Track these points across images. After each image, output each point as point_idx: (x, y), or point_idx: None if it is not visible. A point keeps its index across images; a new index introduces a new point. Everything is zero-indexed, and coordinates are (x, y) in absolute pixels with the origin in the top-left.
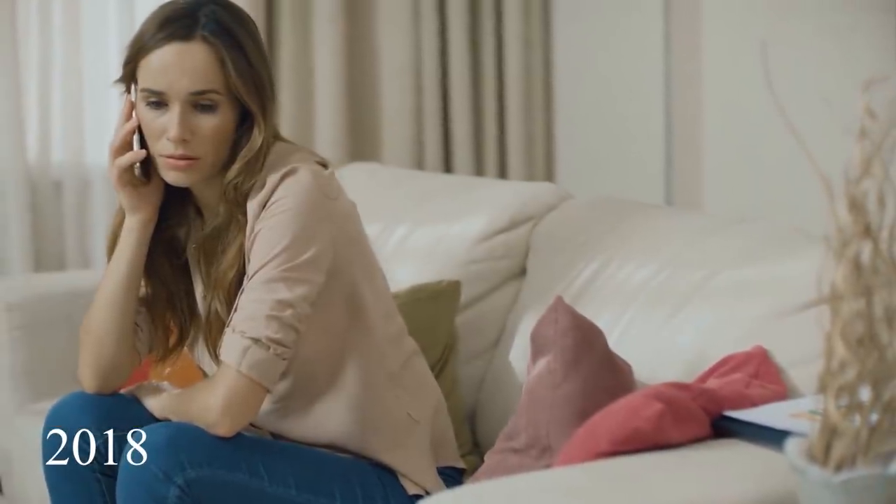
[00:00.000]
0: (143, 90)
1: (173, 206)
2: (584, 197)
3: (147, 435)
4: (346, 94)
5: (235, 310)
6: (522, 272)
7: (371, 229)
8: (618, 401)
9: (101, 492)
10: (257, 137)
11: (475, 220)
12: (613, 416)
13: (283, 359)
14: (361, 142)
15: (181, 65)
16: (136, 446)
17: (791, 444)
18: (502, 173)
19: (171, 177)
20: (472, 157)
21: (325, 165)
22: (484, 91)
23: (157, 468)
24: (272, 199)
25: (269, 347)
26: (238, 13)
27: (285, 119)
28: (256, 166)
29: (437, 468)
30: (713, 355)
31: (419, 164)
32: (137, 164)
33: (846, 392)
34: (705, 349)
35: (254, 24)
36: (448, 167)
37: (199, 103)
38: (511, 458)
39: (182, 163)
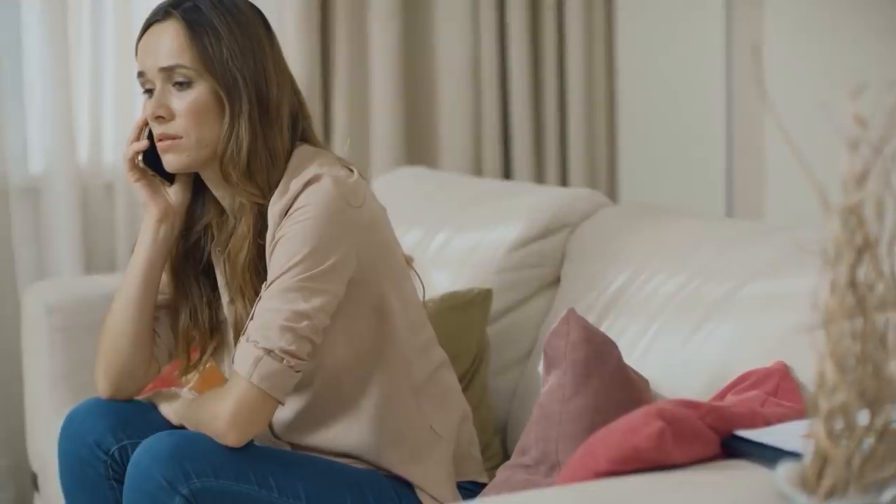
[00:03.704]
0: (137, 77)
1: (200, 213)
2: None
3: (151, 444)
4: (402, 95)
5: (251, 318)
6: (557, 281)
7: (413, 235)
8: (620, 418)
9: (115, 500)
10: (242, 131)
11: (511, 228)
12: (613, 435)
13: (297, 371)
14: (417, 145)
15: (155, 42)
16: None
17: (782, 469)
18: (563, 178)
19: (165, 161)
20: (531, 160)
21: (350, 170)
22: (545, 91)
23: (161, 478)
24: (294, 207)
25: (281, 359)
26: (230, 5)
27: (339, 121)
28: (257, 164)
29: (458, 482)
30: (735, 370)
31: (477, 169)
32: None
33: (840, 415)
34: (727, 364)
35: (251, 20)
36: (507, 171)
37: (175, 81)
38: (519, 474)
39: (165, 143)
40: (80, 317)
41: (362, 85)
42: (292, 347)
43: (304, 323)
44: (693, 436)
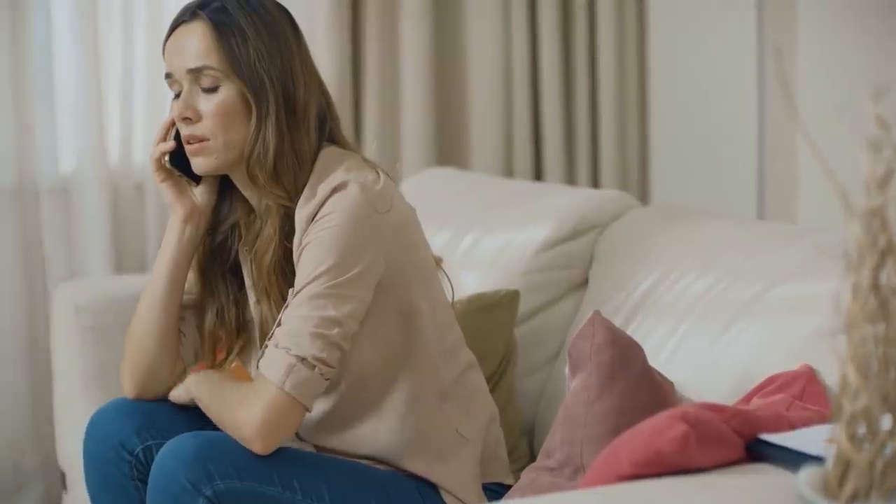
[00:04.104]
0: (165, 78)
1: (227, 212)
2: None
3: (175, 445)
4: (432, 95)
5: (279, 324)
6: (585, 282)
7: (442, 236)
8: (644, 422)
9: (140, 500)
10: (269, 134)
11: (539, 229)
12: (636, 438)
13: (326, 378)
14: (448, 145)
15: (182, 43)
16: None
17: (804, 474)
18: (594, 180)
19: (194, 164)
20: (563, 161)
21: (377, 172)
22: (576, 92)
23: (185, 479)
24: (321, 213)
25: (314, 367)
26: (257, 5)
27: (370, 121)
28: (283, 167)
29: (484, 484)
30: (762, 373)
31: (508, 169)
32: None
33: (862, 420)
34: (754, 366)
35: (278, 20)
36: (538, 172)
37: (202, 83)
38: (544, 477)
39: (193, 146)
40: (108, 317)
41: (393, 85)
42: (323, 355)
43: (335, 330)
44: (717, 439)
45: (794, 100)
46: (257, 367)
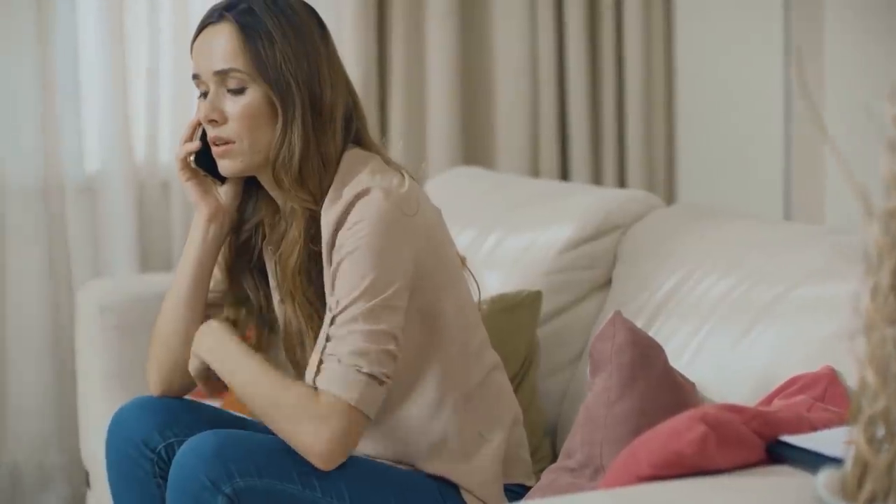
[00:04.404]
0: (192, 79)
1: (251, 212)
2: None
3: (195, 443)
4: (459, 94)
5: (328, 338)
6: (608, 283)
7: (466, 235)
8: (663, 423)
9: (162, 498)
10: (294, 137)
11: (562, 229)
12: (655, 439)
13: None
14: (474, 145)
15: (209, 45)
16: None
17: (822, 476)
18: (621, 180)
19: (221, 166)
20: (589, 161)
21: (402, 174)
22: (603, 91)
23: (204, 477)
24: (349, 222)
25: (382, 383)
26: (284, 6)
27: (396, 121)
28: (308, 170)
29: (506, 485)
30: (784, 374)
31: (534, 169)
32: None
33: (880, 422)
34: (776, 368)
35: (305, 22)
36: (564, 172)
37: (228, 85)
38: (564, 478)
39: (219, 148)
40: (132, 315)
41: (419, 84)
42: (388, 370)
43: (392, 345)
44: (737, 441)
45: (812, 97)
46: (313, 382)
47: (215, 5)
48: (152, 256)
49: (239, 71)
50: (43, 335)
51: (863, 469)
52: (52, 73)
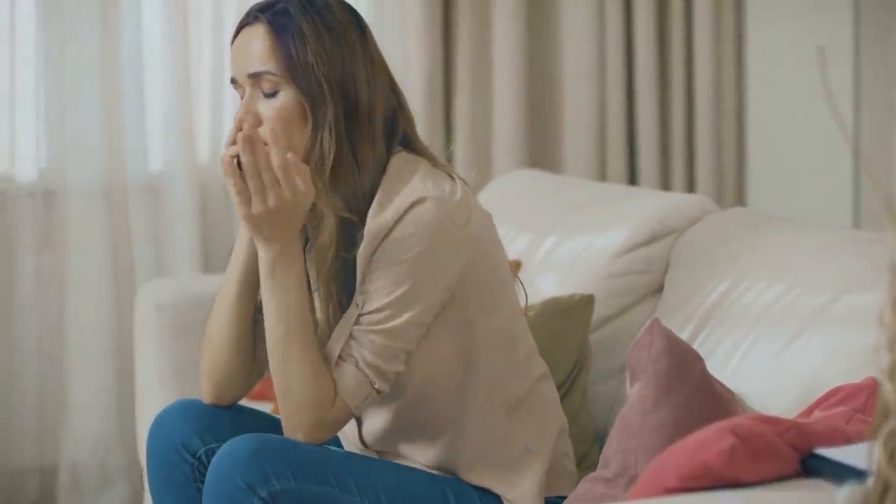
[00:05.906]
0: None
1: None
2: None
3: (231, 447)
4: (525, 96)
5: (352, 336)
6: (661, 288)
7: (523, 238)
8: (693, 434)
9: (201, 502)
10: (326, 140)
11: (617, 233)
12: (683, 450)
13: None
14: (541, 147)
15: (244, 47)
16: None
17: (843, 492)
18: (690, 185)
19: None
20: (658, 165)
21: (452, 178)
22: (672, 95)
23: (240, 480)
24: (399, 233)
25: (380, 392)
26: (321, 6)
27: (461, 122)
28: (342, 174)
29: (548, 498)
30: (827, 384)
31: (602, 174)
32: None
33: None
34: (820, 378)
35: (342, 22)
36: (632, 177)
37: (262, 88)
38: (598, 487)
39: None
40: (190, 315)
41: (485, 85)
42: (389, 384)
43: (401, 365)
44: (769, 453)
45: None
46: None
47: (252, 6)
48: (215, 257)
49: (271, 73)
50: (105, 335)
51: (884, 486)
52: (117, 73)
